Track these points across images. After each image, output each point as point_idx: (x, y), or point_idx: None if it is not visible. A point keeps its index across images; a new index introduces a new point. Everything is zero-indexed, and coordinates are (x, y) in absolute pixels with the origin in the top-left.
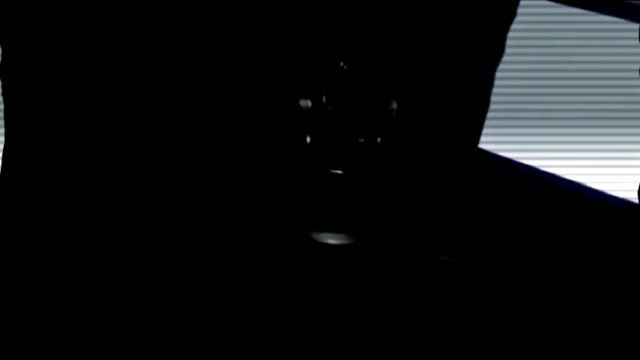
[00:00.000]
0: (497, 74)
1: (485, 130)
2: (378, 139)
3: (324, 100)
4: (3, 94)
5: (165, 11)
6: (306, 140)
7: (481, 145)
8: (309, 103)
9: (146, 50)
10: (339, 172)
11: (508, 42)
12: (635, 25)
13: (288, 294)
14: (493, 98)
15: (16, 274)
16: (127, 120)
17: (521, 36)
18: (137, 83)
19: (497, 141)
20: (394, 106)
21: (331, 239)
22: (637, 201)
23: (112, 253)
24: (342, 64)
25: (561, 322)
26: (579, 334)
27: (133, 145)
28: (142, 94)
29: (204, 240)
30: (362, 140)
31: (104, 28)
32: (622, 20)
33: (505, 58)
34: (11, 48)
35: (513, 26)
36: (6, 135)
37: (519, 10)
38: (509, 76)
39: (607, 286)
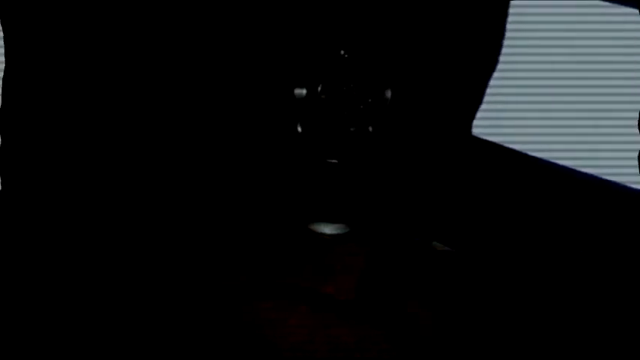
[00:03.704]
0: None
1: (479, 118)
2: (370, 128)
3: (319, 89)
4: (2, 94)
5: (159, 3)
6: (297, 129)
7: (475, 133)
8: (304, 92)
9: (140, 41)
10: (334, 161)
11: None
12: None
13: (284, 283)
14: (491, 82)
15: (15, 274)
16: (120, 111)
17: (520, 20)
18: (129, 74)
19: (491, 127)
20: (388, 94)
21: (327, 229)
22: (636, 185)
23: (107, 242)
24: (342, 52)
25: (556, 316)
26: (575, 324)
27: (127, 139)
28: (135, 87)
29: (198, 231)
30: (353, 129)
31: (98, 25)
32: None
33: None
34: (11, 47)
35: (511, 10)
36: (3, 135)
37: None
38: (508, 65)
39: (604, 275)
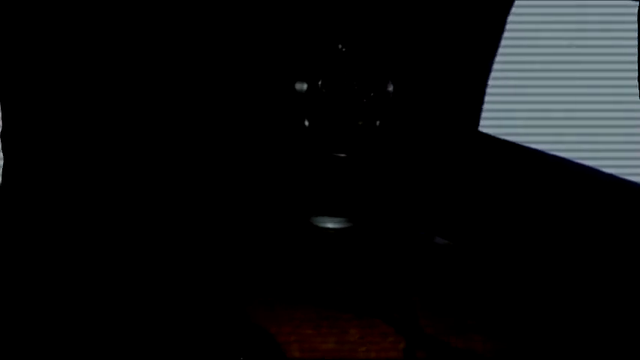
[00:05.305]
0: (497, 58)
1: (484, 114)
2: (377, 122)
3: (319, 83)
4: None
5: (159, 3)
6: (304, 124)
7: (481, 129)
8: (305, 87)
9: (142, 41)
10: (342, 155)
11: (508, 19)
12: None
13: (289, 279)
14: (491, 82)
15: (16, 274)
16: (125, 111)
17: (519, 17)
18: (134, 73)
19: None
20: (390, 88)
21: (330, 224)
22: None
23: (107, 242)
24: (340, 46)
25: (556, 311)
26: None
27: (131, 135)
28: (137, 82)
29: (205, 226)
30: (361, 123)
31: (98, 25)
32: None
33: (505, 40)
34: (10, 48)
35: (522, 10)
36: (3, 134)
37: None
38: (509, 60)
39: (605, 271)
